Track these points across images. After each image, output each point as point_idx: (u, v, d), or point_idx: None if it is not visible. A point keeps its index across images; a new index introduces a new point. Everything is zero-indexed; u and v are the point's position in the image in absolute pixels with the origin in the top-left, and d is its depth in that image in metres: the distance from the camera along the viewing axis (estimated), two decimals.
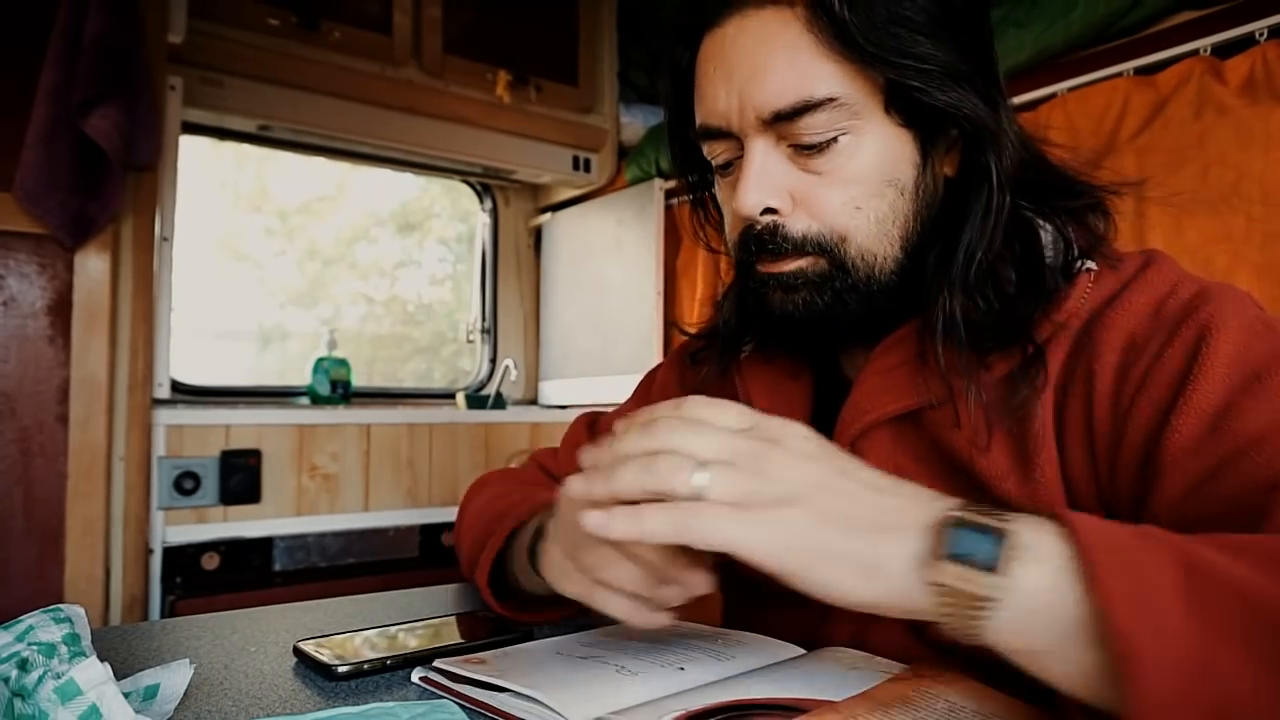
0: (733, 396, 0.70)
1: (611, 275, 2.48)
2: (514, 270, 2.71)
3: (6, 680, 0.44)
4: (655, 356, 2.35)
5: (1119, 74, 1.45)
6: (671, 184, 2.40)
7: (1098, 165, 0.65)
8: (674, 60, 0.68)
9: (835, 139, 0.59)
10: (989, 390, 0.59)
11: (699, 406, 0.48)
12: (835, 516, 0.43)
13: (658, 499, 0.44)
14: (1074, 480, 0.57)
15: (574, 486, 0.48)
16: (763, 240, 0.62)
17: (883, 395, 0.63)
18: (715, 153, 0.65)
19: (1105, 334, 0.56)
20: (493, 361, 2.65)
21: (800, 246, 0.61)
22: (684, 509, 0.43)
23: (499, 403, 2.35)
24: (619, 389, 2.45)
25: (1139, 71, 1.43)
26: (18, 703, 0.42)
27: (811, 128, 0.59)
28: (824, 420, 0.66)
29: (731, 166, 0.65)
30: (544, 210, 2.72)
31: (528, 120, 2.33)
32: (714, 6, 0.62)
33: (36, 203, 1.47)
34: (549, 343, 2.67)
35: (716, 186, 0.69)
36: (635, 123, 2.50)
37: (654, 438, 0.46)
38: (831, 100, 0.58)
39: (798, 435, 0.47)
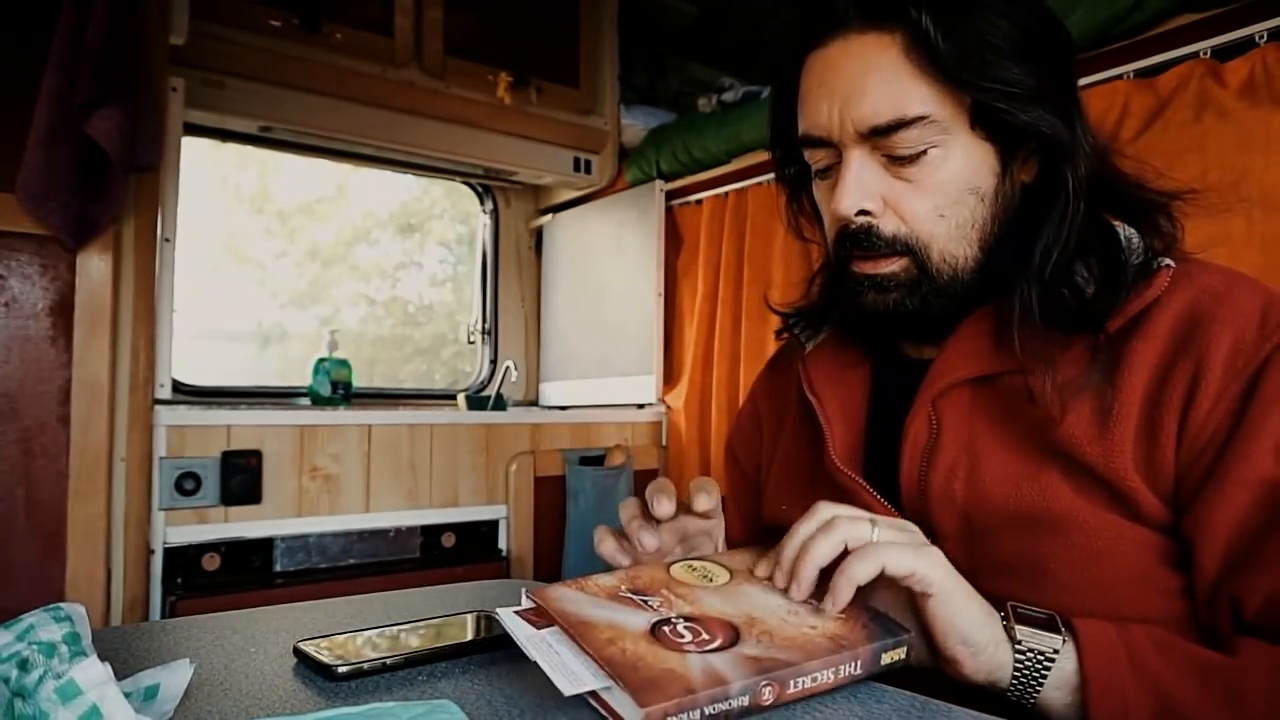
0: (798, 387, 0.81)
1: (612, 277, 2.48)
2: (515, 271, 2.72)
3: (7, 680, 0.44)
4: (656, 358, 2.36)
5: (1119, 76, 1.45)
6: (672, 185, 2.40)
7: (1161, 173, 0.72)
8: (778, 75, 0.76)
9: (925, 151, 0.65)
10: (1063, 369, 0.64)
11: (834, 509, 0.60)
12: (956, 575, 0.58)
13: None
14: (1158, 448, 0.62)
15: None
16: (858, 238, 0.69)
17: (965, 360, 0.69)
18: (816, 159, 0.72)
19: (1214, 329, 0.61)
20: (493, 363, 2.65)
21: (891, 245, 0.68)
22: (879, 549, 0.55)
23: (499, 404, 2.35)
24: (620, 391, 2.45)
25: (1139, 74, 1.43)
26: (18, 703, 0.42)
27: (904, 142, 0.65)
28: (883, 398, 0.75)
29: (830, 171, 0.71)
30: (545, 211, 2.72)
31: (528, 122, 2.33)
32: (818, 30, 0.68)
33: (38, 204, 1.48)
34: (549, 344, 2.67)
35: (815, 188, 0.75)
36: (636, 124, 2.50)
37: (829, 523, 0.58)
38: (923, 118, 0.64)
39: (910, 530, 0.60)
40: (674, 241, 2.44)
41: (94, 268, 1.58)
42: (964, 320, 0.70)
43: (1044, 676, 0.55)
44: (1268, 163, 1.25)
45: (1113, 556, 0.60)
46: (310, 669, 0.59)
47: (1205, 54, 1.35)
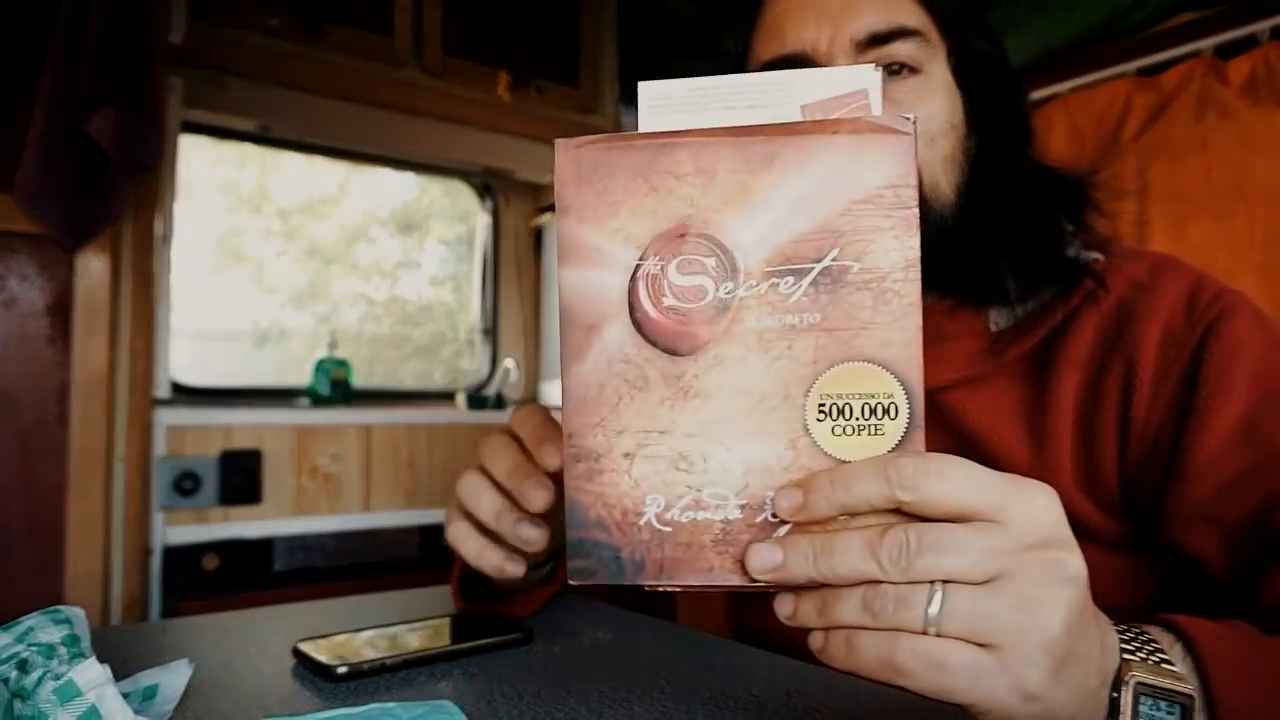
0: None
1: None
2: (514, 271, 2.71)
3: (6, 681, 0.44)
4: None
5: (1121, 74, 1.45)
6: None
7: (1103, 167, 0.71)
8: (731, 32, 0.72)
9: (916, 70, 0.64)
10: (1010, 368, 0.62)
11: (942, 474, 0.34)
12: (1069, 671, 0.35)
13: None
14: (1098, 459, 0.58)
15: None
16: None
17: None
18: None
19: (1141, 324, 0.58)
20: (493, 362, 2.64)
21: None
22: (913, 652, 0.33)
23: (499, 403, 2.35)
24: None
25: (1141, 72, 1.43)
26: (17, 704, 0.42)
27: (900, 52, 0.64)
28: None
29: None
30: (545, 210, 2.72)
31: (529, 121, 2.33)
32: None
33: (37, 204, 1.47)
34: (549, 343, 2.67)
35: None
36: (636, 124, 2.50)
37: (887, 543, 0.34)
38: (919, 33, 0.64)
39: (1061, 549, 0.35)
40: None
41: (92, 267, 1.58)
42: None
43: None
44: (1270, 161, 1.25)
45: None
46: (310, 669, 0.59)
47: (1208, 52, 1.35)
